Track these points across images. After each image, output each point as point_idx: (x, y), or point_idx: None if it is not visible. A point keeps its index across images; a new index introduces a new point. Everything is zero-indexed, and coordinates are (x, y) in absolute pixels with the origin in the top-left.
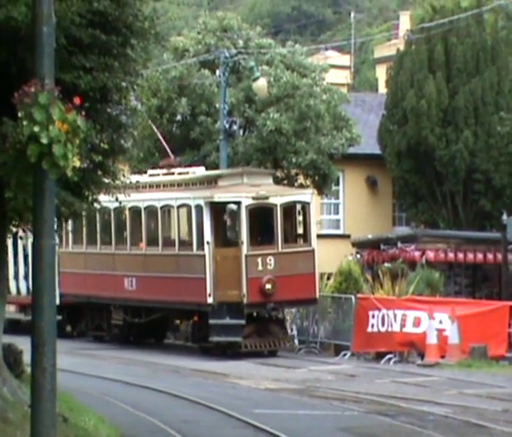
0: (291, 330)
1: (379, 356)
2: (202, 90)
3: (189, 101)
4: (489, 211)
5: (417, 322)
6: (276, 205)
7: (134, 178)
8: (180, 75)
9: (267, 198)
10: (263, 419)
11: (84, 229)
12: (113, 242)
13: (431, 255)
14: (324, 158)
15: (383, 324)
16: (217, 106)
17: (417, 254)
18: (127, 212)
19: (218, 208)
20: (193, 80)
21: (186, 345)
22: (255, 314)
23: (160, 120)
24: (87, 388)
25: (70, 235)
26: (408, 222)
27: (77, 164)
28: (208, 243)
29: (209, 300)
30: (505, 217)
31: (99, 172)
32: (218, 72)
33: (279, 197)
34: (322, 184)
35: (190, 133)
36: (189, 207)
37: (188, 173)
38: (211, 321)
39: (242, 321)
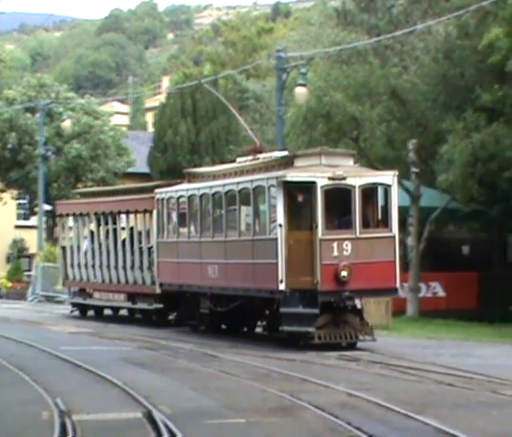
0: None
1: None
2: (26, 127)
3: (17, 135)
4: None
5: None
6: (354, 186)
7: (220, 167)
8: (10, 116)
9: (344, 178)
10: (68, 353)
11: (174, 218)
12: (199, 230)
13: None
14: (111, 175)
15: None
16: (37, 138)
17: None
18: (209, 199)
19: (291, 189)
20: (20, 121)
21: (263, 334)
22: (333, 303)
23: None
24: None
25: (165, 225)
26: None
27: None
28: (280, 226)
29: (281, 287)
30: None
31: None
32: (37, 115)
33: (357, 178)
34: None
35: (18, 157)
36: (263, 188)
37: (271, 157)
38: (283, 310)
39: (316, 311)
